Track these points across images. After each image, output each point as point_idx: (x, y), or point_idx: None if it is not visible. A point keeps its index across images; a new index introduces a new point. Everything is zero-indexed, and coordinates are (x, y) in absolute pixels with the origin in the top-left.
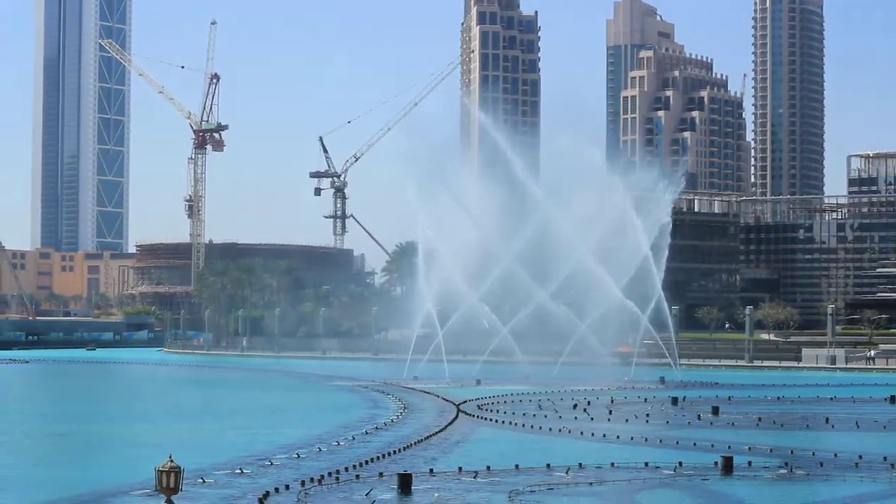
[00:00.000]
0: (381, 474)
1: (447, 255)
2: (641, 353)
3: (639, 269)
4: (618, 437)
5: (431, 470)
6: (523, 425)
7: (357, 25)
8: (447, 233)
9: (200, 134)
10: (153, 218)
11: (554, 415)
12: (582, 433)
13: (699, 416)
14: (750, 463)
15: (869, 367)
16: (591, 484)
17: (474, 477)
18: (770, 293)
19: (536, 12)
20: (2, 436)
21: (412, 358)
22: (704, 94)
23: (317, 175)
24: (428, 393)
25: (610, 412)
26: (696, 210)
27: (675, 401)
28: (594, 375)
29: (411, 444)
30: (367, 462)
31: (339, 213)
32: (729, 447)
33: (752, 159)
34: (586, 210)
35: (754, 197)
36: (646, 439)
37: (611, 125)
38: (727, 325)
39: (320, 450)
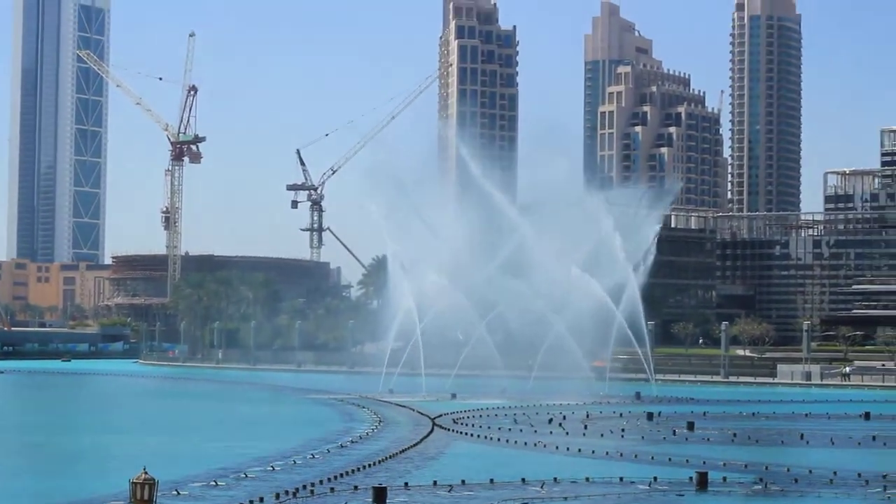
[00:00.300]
0: (355, 487)
1: (420, 266)
2: (616, 367)
3: (617, 285)
4: (593, 451)
5: (406, 484)
6: (498, 439)
7: (335, 38)
8: (418, 247)
9: (178, 146)
10: (130, 229)
11: (529, 429)
12: (557, 448)
13: (674, 431)
14: (725, 478)
15: (844, 383)
16: (565, 499)
17: (449, 491)
18: (746, 309)
19: (515, 27)
20: None
21: (387, 371)
22: (682, 109)
23: (294, 188)
24: (403, 406)
25: (585, 427)
26: (672, 226)
27: (650, 416)
28: (569, 390)
29: (386, 458)
30: (342, 475)
31: (315, 225)
32: (704, 462)
33: (729, 175)
34: (566, 228)
35: (731, 213)
36: (621, 454)
37: (588, 140)
38: (702, 341)
39: (295, 462)
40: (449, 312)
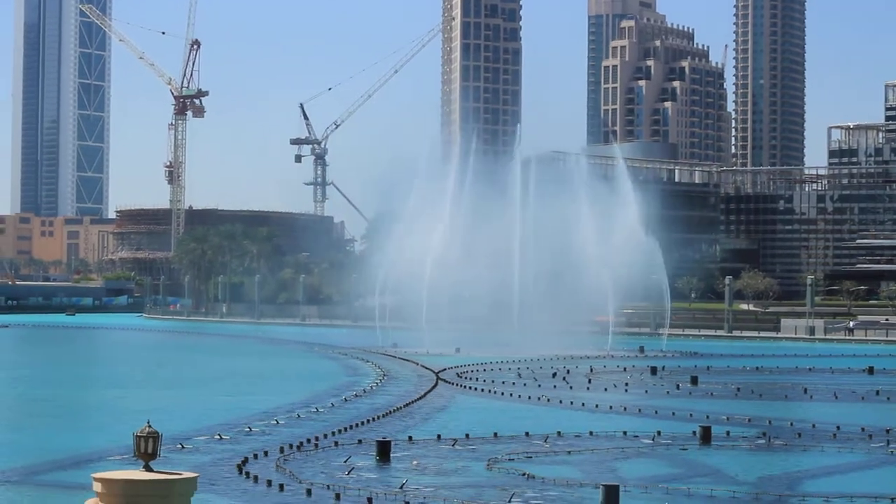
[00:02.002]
0: (359, 441)
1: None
2: (620, 321)
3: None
4: (596, 405)
5: (410, 437)
6: (502, 393)
7: None
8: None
9: (181, 100)
10: (133, 183)
11: (533, 383)
12: (561, 402)
13: (678, 385)
14: (728, 433)
15: (848, 338)
16: (569, 452)
17: (453, 444)
18: (749, 263)
19: None
20: None
21: (392, 325)
22: (685, 64)
23: (297, 142)
24: (407, 360)
25: (589, 381)
26: (676, 180)
27: (654, 370)
28: (573, 344)
29: (390, 412)
30: (345, 429)
31: (319, 180)
32: (707, 417)
33: (733, 130)
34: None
35: (735, 167)
36: (625, 408)
37: (591, 94)
38: (702, 295)
39: (299, 416)
40: (455, 266)
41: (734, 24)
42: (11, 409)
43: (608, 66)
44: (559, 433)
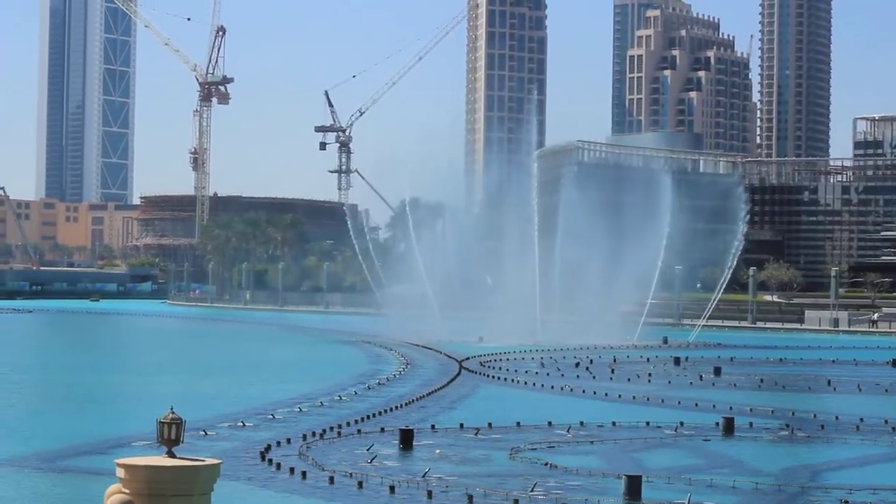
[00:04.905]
0: (382, 429)
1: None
2: (643, 312)
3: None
4: (619, 396)
5: (433, 426)
6: (525, 383)
7: None
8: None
9: (206, 86)
10: (158, 170)
11: (556, 373)
12: (584, 392)
13: (701, 376)
14: (751, 424)
15: (872, 330)
16: (591, 442)
17: (476, 433)
18: (774, 255)
19: None
20: (4, 385)
21: (416, 314)
22: (711, 54)
23: (322, 129)
24: (430, 349)
25: (612, 371)
26: (700, 170)
27: (677, 361)
28: (597, 334)
29: (413, 400)
30: (368, 417)
31: (343, 167)
32: (730, 408)
33: (758, 120)
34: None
35: (759, 158)
36: (647, 399)
37: (617, 84)
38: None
39: (322, 404)
40: (479, 255)
41: (760, 13)
42: (35, 394)
43: (633, 56)
44: (582, 423)
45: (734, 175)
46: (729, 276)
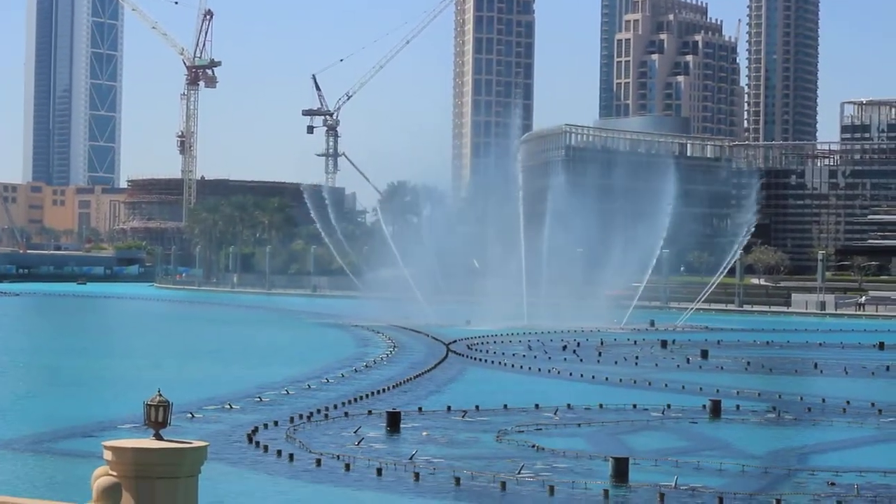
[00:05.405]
0: (370, 412)
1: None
2: (630, 295)
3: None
4: (606, 378)
5: (420, 408)
6: (512, 365)
7: None
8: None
9: (193, 70)
10: (145, 153)
11: (543, 356)
12: (571, 374)
13: (688, 359)
14: (738, 406)
15: (858, 313)
16: (579, 425)
17: (463, 416)
18: (761, 238)
19: None
20: None
21: (403, 297)
22: (699, 38)
23: (309, 113)
24: (418, 332)
25: (599, 354)
26: (688, 154)
27: (664, 344)
28: (584, 317)
29: (401, 383)
30: (356, 399)
31: (331, 151)
32: (717, 391)
33: (746, 104)
34: None
35: (747, 142)
36: (634, 381)
37: (604, 68)
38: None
39: (310, 387)
40: (466, 239)
41: None
42: (22, 377)
43: (621, 40)
44: (569, 405)
45: (732, 161)
46: (733, 260)
